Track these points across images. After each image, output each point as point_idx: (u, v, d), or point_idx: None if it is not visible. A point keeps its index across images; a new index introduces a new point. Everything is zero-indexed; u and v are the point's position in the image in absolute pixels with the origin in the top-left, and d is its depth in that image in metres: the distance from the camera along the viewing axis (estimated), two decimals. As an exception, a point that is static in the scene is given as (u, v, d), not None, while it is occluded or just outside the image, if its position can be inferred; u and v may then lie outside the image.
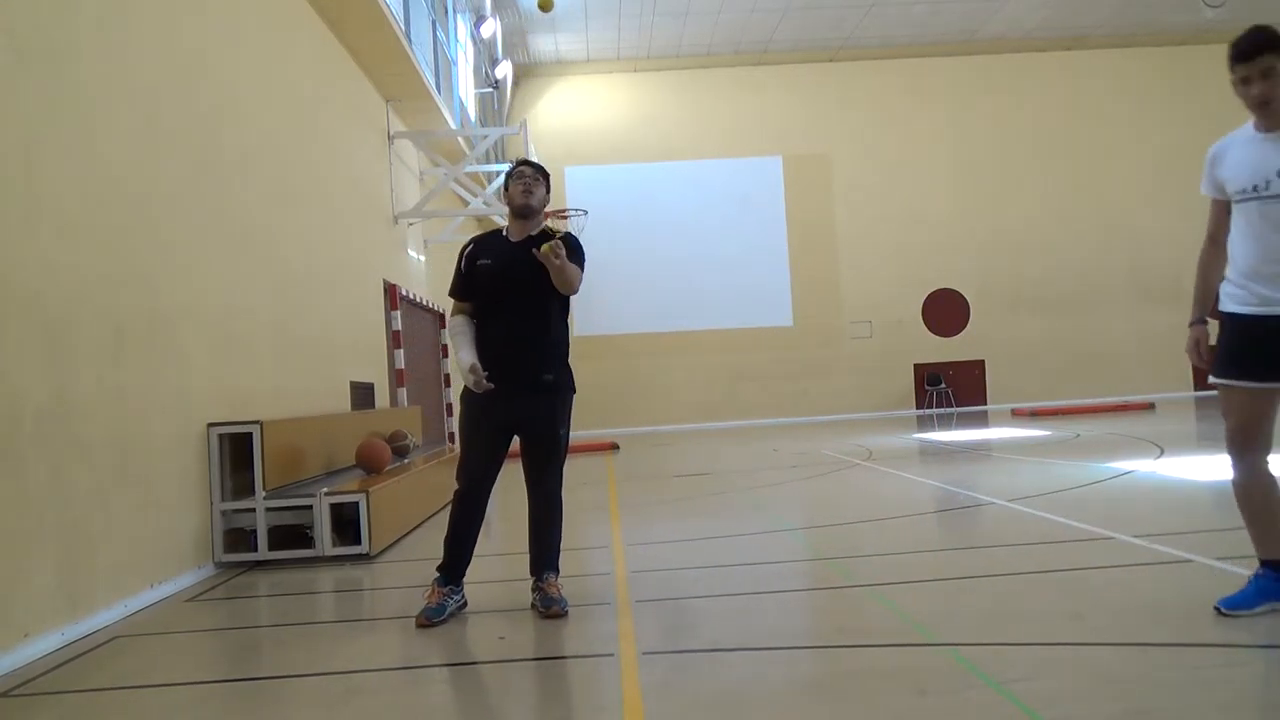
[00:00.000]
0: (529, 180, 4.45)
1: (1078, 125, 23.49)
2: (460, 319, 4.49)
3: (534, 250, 4.19)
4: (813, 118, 23.29)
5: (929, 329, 23.12)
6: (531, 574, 4.38)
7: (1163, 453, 9.88)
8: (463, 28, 17.24)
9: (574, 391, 4.48)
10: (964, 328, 23.19)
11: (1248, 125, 3.57)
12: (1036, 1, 21.16)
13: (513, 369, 4.30)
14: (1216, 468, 8.31)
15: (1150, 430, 13.37)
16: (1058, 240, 23.17)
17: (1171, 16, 22.23)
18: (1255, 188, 3.45)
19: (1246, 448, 3.55)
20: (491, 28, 18.83)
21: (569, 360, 4.49)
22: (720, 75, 23.29)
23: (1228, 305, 3.62)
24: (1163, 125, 23.71)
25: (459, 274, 4.49)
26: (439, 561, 4.37)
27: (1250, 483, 3.56)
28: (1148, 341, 23.06)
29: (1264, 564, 3.61)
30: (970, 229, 23.07)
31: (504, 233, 4.54)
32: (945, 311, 23.15)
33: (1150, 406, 19.26)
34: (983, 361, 23.07)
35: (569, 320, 4.56)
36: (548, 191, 4.55)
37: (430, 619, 4.19)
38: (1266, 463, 3.56)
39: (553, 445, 4.41)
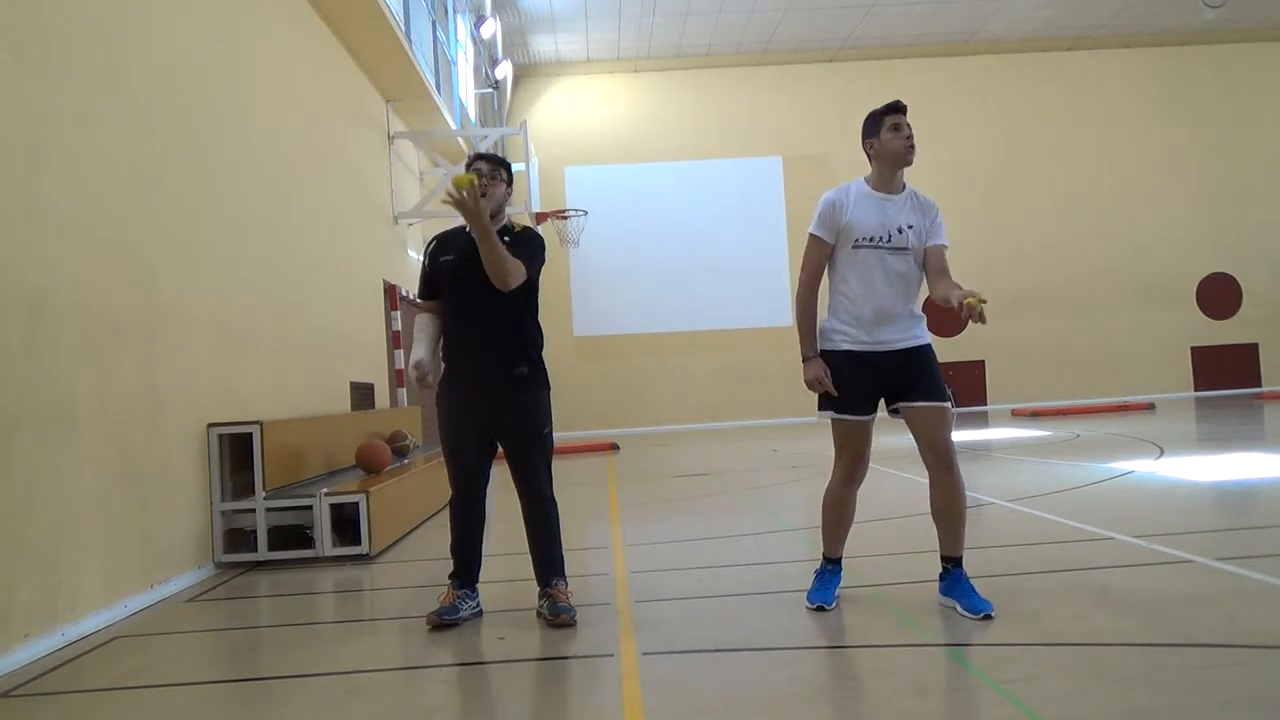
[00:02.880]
0: (485, 180, 4.12)
1: (1078, 125, 23.50)
2: (425, 316, 4.37)
3: (447, 193, 3.80)
4: (813, 118, 23.28)
5: (929, 329, 23.11)
6: (539, 584, 4.24)
7: (1163, 453, 9.88)
8: (463, 28, 17.23)
9: (549, 388, 4.30)
10: (964, 328, 23.18)
11: (858, 182, 4.12)
12: (1037, 2, 21.17)
13: (485, 366, 4.15)
14: (1216, 468, 8.31)
15: (1150, 430, 13.36)
16: (1058, 240, 23.19)
17: (1171, 17, 22.24)
18: (881, 238, 3.98)
19: (858, 471, 4.16)
20: (491, 28, 18.82)
21: (543, 357, 4.29)
22: (720, 75, 23.29)
23: (842, 344, 4.04)
24: (1163, 125, 23.72)
25: (423, 272, 4.34)
26: (449, 569, 4.32)
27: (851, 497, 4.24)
28: (1148, 341, 23.08)
29: (832, 560, 4.25)
30: (970, 229, 23.04)
31: (467, 229, 4.20)
32: (945, 312, 22.98)
33: (1150, 407, 19.26)
34: (983, 362, 23.07)
35: (539, 318, 4.33)
36: (509, 184, 4.28)
37: (442, 618, 4.13)
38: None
39: (537, 444, 4.21)
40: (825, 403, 4.07)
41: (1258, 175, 23.78)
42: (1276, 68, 23.94)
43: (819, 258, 4.10)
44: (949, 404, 4.07)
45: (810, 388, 4.08)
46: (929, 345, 4.13)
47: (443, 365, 4.34)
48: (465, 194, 3.74)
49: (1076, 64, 23.65)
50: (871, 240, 3.99)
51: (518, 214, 16.03)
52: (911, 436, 4.06)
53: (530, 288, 4.19)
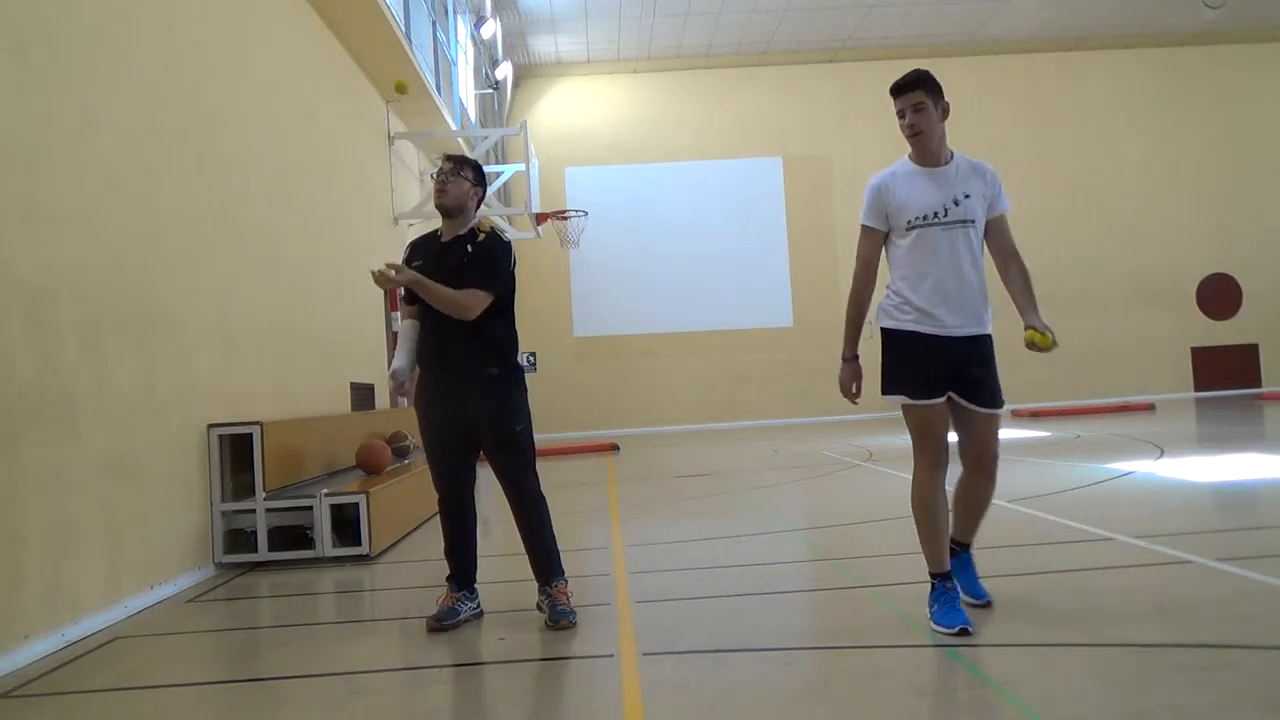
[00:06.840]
0: (445, 175, 4.26)
1: (1078, 126, 23.50)
2: (408, 324, 4.41)
3: (370, 272, 4.08)
4: (813, 118, 23.28)
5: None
6: (538, 584, 4.22)
7: (1163, 454, 9.88)
8: (463, 28, 17.24)
9: (524, 387, 4.30)
10: (964, 328, 23.17)
11: (903, 161, 3.83)
12: (1037, 2, 21.17)
13: (454, 369, 4.19)
14: (1216, 469, 8.31)
15: (1150, 431, 13.36)
16: (1058, 240, 23.17)
17: (1171, 17, 22.25)
18: (938, 213, 3.71)
19: (940, 461, 3.71)
20: (492, 28, 18.83)
21: (516, 356, 4.31)
22: (720, 76, 23.30)
23: (908, 325, 3.77)
24: (1163, 125, 23.72)
25: None
26: (447, 571, 4.32)
27: (940, 495, 3.71)
28: (1148, 342, 23.07)
29: (944, 574, 3.70)
30: (970, 229, 23.03)
31: (438, 233, 4.37)
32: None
33: (1150, 407, 19.26)
34: (983, 362, 23.05)
35: (513, 315, 4.35)
36: (475, 184, 4.31)
37: (441, 622, 4.14)
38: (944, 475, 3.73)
39: (512, 442, 4.21)
40: (891, 385, 3.83)
41: (1258, 175, 23.78)
42: (1276, 68, 23.94)
43: (872, 248, 3.82)
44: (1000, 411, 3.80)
45: (843, 392, 3.95)
46: (990, 337, 3.84)
47: (417, 370, 4.39)
48: (383, 277, 4.01)
49: (1076, 64, 23.64)
50: (927, 218, 3.71)
51: (518, 214, 16.03)
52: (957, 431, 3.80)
53: (499, 293, 4.19)
